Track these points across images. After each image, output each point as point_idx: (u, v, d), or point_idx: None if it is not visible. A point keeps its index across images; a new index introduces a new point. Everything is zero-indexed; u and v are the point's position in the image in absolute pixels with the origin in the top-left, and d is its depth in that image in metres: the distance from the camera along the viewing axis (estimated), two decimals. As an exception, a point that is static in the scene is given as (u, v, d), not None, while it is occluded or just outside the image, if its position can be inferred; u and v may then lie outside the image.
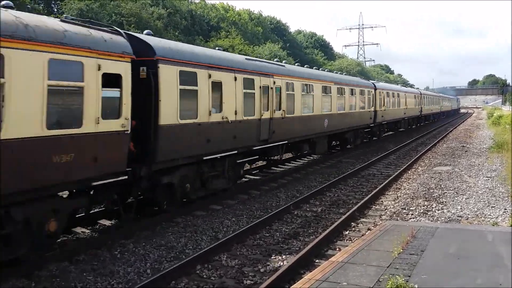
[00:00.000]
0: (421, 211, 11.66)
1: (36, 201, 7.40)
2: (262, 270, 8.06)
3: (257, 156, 15.65)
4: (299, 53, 65.36)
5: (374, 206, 12.69)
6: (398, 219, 11.07)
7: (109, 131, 8.52)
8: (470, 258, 7.34)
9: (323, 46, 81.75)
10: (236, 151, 12.87)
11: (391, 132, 36.20)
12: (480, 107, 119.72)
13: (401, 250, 7.78)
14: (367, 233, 9.84)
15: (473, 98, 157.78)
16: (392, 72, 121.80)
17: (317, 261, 8.40)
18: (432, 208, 11.93)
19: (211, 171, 12.20)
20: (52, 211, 7.80)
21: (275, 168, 18.42)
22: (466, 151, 24.49)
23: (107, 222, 10.49)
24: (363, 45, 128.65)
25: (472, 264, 7.03)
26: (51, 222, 7.75)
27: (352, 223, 10.97)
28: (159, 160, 10.02)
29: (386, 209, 12.32)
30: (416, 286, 6.09)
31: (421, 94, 46.19)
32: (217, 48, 14.45)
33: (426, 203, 12.45)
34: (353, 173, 17.72)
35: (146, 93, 9.60)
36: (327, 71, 22.14)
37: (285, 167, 19.11)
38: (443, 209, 11.80)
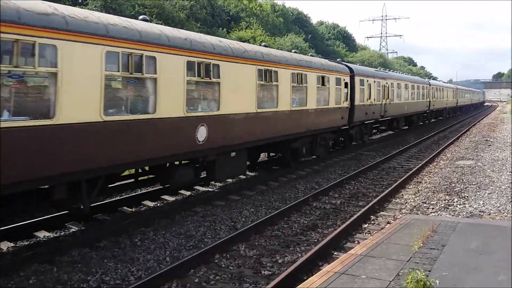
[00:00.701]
0: (442, 205, 11.50)
1: (326, 133, 17.91)
2: (280, 261, 8.06)
3: (378, 124, 26.77)
4: (320, 44, 64.84)
5: (394, 200, 12.58)
6: (419, 213, 10.94)
7: (345, 106, 19.03)
8: (492, 254, 7.22)
9: (345, 38, 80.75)
10: (373, 120, 23.47)
11: (433, 120, 43.65)
12: (504, 101, 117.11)
13: (421, 245, 7.68)
14: (386, 226, 9.75)
15: (497, 91, 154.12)
16: (415, 64, 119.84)
17: (335, 253, 8.37)
18: (454, 202, 11.76)
19: (364, 130, 22.89)
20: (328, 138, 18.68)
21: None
22: (489, 145, 24.03)
23: (127, 210, 10.64)
24: (386, 36, 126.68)
25: (493, 260, 6.91)
26: (330, 141, 19.14)
27: (371, 216, 10.89)
28: (353, 121, 20.22)
29: (406, 202, 12.19)
30: (437, 281, 6.01)
31: (457, 88, 56.35)
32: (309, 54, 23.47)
33: (447, 197, 12.28)
34: (373, 166, 17.58)
35: (350, 89, 19.83)
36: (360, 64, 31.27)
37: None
38: (464, 203, 11.62)
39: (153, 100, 9.01)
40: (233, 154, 12.05)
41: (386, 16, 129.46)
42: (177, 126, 9.62)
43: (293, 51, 17.86)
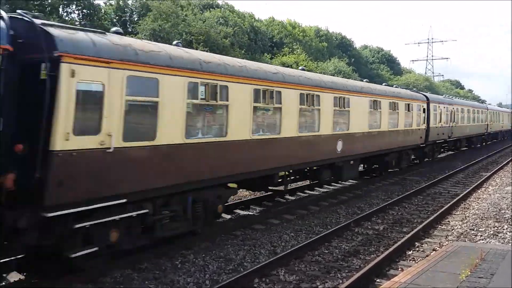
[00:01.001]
0: (491, 232, 11.00)
1: (409, 149, 22.21)
2: (320, 287, 7.93)
3: (446, 144, 30.15)
4: (364, 68, 64.52)
5: (440, 226, 12.17)
6: (466, 240, 10.52)
7: (423, 128, 23.25)
8: (546, 284, 6.83)
9: (390, 61, 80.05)
10: (442, 140, 27.56)
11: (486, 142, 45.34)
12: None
13: (469, 273, 7.40)
14: (432, 253, 9.43)
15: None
16: (462, 88, 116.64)
17: (378, 280, 8.15)
18: (503, 229, 11.23)
19: (435, 148, 27.13)
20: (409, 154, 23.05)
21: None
22: (543, 171, 22.90)
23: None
24: (432, 59, 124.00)
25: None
26: (410, 156, 23.45)
27: (416, 243, 10.56)
28: (428, 140, 24.15)
29: (453, 229, 11.76)
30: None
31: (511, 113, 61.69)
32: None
33: (496, 224, 11.74)
34: (418, 191, 17.11)
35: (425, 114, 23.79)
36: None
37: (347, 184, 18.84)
38: (516, 231, 11.07)
39: (318, 123, 13.82)
40: (352, 162, 16.51)
41: (432, 38, 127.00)
42: (328, 141, 14.40)
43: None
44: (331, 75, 23.58)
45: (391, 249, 9.58)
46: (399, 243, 10.06)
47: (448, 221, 12.68)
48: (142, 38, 27.99)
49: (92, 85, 7.25)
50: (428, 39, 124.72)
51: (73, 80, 6.89)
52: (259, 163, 11.31)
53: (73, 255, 7.24)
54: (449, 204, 14.24)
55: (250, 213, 13.12)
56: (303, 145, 13.09)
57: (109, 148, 7.42)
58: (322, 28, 65.76)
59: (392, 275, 8.21)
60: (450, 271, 7.59)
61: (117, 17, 39.85)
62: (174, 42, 9.89)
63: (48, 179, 6.64)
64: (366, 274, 8.17)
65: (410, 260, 9.43)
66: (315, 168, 14.92)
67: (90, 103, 7.33)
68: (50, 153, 6.68)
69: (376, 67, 72.60)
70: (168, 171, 8.61)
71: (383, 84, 23.59)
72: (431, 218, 12.41)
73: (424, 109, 23.46)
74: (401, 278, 7.41)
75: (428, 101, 24.26)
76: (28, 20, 7.02)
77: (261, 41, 46.51)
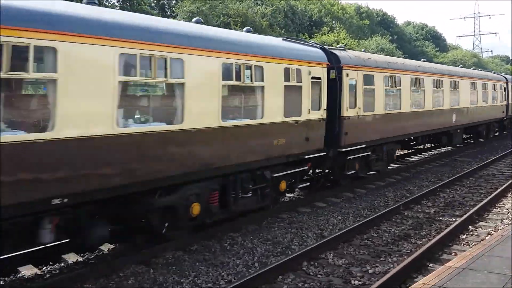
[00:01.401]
0: (551, 216, 10.50)
1: (493, 122, 27.47)
2: (370, 271, 7.79)
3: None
4: (407, 45, 62.58)
5: (494, 209, 11.71)
6: (524, 224, 10.08)
7: (504, 104, 28.32)
8: None
9: (435, 38, 77.23)
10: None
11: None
12: None
13: (528, 258, 7.06)
14: (487, 238, 9.10)
15: None
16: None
17: (431, 265, 7.94)
18: None
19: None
20: (494, 126, 28.38)
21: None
22: None
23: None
24: (479, 34, 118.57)
25: None
26: (495, 128, 28.85)
27: (469, 226, 10.20)
28: (508, 115, 28.97)
29: (508, 212, 11.31)
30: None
31: None
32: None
33: (556, 207, 11.19)
34: (469, 173, 16.52)
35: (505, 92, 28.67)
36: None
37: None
38: None
39: (442, 100, 19.18)
40: (458, 130, 21.28)
41: (479, 13, 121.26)
42: (448, 113, 19.70)
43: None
44: (374, 53, 25.88)
45: (443, 233, 9.29)
46: (451, 226, 9.74)
47: (503, 204, 12.19)
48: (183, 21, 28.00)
49: (353, 81, 12.95)
50: (474, 13, 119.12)
51: (347, 78, 12.60)
52: (412, 128, 16.71)
53: (348, 173, 13.25)
54: (503, 186, 13.69)
55: (295, 195, 13.04)
56: (435, 116, 18.31)
57: (359, 116, 13.22)
58: (362, 5, 64.10)
59: (446, 260, 7.97)
60: (507, 256, 7.27)
61: (156, 1, 40.08)
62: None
63: (341, 131, 12.40)
64: (418, 258, 7.97)
65: (464, 245, 9.14)
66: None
67: (353, 91, 12.97)
68: (341, 117, 12.46)
69: (420, 44, 70.27)
70: (376, 131, 14.20)
71: (460, 65, 27.98)
72: (485, 200, 11.97)
73: (504, 88, 28.18)
74: (455, 262, 7.16)
75: (507, 81, 29.29)
76: (321, 47, 12.85)
77: (298, 20, 45.65)
